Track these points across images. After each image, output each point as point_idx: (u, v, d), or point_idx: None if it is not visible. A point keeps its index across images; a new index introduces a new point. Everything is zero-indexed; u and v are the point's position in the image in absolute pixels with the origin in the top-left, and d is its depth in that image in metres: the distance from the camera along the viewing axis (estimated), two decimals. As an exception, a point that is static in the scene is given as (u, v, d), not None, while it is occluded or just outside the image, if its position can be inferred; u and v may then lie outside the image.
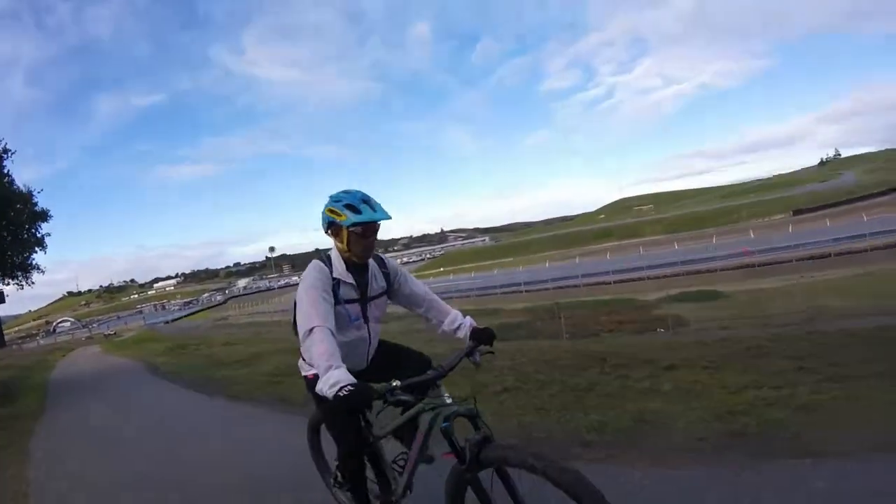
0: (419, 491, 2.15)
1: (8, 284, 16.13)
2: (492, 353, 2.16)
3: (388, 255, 2.48)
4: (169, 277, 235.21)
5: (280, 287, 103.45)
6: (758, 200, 78.75)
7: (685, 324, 14.36)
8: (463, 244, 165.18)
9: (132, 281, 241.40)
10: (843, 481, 2.44)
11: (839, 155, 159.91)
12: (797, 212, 54.57)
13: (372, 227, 2.09)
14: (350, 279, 2.16)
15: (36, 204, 15.26)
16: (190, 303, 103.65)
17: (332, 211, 2.11)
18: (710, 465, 2.83)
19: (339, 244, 2.16)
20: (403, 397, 1.82)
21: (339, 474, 2.50)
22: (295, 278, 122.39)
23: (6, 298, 23.78)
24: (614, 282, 30.78)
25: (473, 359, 2.12)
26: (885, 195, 49.75)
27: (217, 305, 77.94)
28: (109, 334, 39.17)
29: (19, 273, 15.46)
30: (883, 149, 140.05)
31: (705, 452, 2.99)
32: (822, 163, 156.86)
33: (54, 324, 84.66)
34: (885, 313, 8.14)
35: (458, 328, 2.26)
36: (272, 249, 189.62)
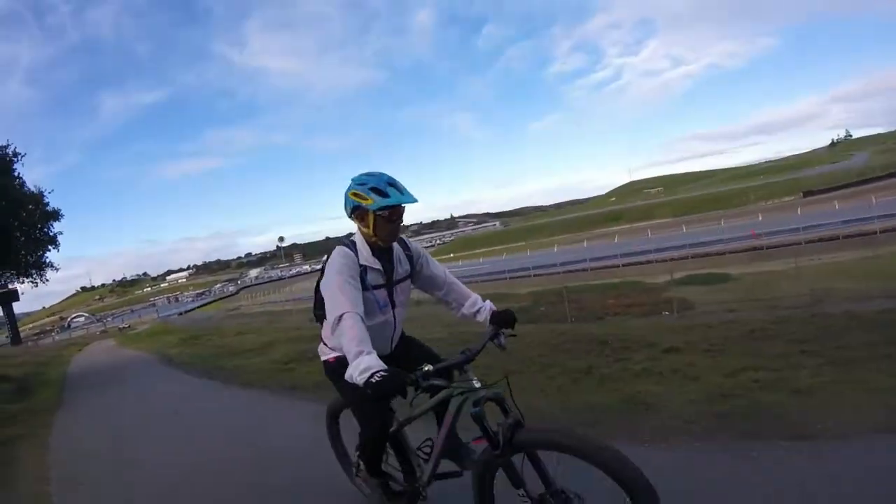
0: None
1: (23, 283, 16.42)
2: (514, 335, 2.13)
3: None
4: (181, 270, 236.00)
5: (291, 276, 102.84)
6: (767, 182, 77.77)
7: (691, 307, 14.28)
8: (474, 229, 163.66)
9: (145, 274, 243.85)
10: (833, 464, 2.44)
11: (850, 136, 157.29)
12: (807, 193, 53.78)
13: (398, 210, 2.03)
14: (377, 265, 2.10)
15: (47, 204, 15.40)
16: (202, 294, 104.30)
17: (356, 195, 2.03)
18: (697, 448, 2.85)
19: (363, 228, 2.09)
20: (437, 382, 1.79)
21: (360, 462, 2.45)
22: (306, 267, 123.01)
23: (21, 296, 24.34)
24: (622, 265, 30.66)
25: (498, 342, 2.08)
26: (895, 177, 48.80)
27: (229, 296, 78.35)
28: (123, 328, 39.48)
29: (34, 271, 15.72)
30: (894, 129, 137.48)
31: (695, 434, 3.01)
32: (832, 144, 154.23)
33: (69, 319, 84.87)
34: (893, 296, 7.97)
35: (478, 312, 2.22)
36: (282, 239, 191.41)
